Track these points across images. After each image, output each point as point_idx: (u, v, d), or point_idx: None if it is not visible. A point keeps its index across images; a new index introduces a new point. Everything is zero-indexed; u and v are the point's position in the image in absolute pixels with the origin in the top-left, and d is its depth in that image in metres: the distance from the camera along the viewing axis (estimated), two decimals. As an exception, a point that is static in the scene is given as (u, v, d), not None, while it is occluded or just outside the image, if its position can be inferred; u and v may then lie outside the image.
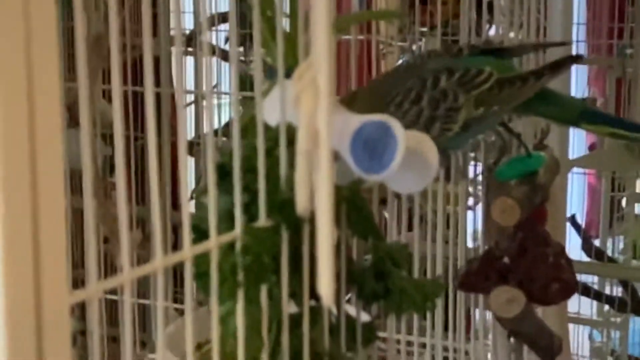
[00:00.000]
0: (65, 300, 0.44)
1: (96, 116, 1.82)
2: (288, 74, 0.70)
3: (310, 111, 0.48)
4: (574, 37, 3.22)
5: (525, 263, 0.99)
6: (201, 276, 0.60)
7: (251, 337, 0.63)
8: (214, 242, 0.57)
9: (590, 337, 2.87)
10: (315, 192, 0.48)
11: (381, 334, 1.23)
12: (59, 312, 0.44)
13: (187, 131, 2.36)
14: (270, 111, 0.66)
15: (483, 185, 1.17)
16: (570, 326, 2.50)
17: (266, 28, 0.74)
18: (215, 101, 2.28)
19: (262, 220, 0.62)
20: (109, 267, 1.75)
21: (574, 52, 2.19)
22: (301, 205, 0.52)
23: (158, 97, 2.00)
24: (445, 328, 1.30)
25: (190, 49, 2.36)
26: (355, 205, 0.74)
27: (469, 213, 1.64)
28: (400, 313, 0.75)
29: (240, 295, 0.60)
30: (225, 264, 0.60)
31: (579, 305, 2.65)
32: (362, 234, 0.75)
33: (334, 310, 0.73)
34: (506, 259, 1.01)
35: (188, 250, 0.55)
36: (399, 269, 0.75)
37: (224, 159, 0.67)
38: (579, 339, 2.81)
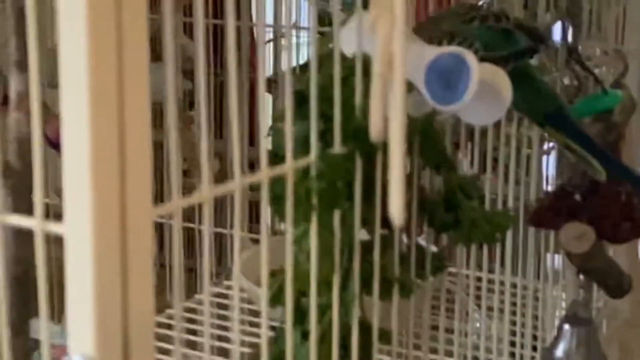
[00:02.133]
0: (149, 213, 0.47)
1: (177, 50, 1.85)
2: (365, 5, 0.71)
3: (386, 36, 0.50)
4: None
5: (597, 200, 1.00)
6: (277, 199, 0.62)
7: (324, 260, 0.65)
8: (289, 166, 0.59)
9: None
10: (389, 118, 0.49)
11: (450, 269, 1.25)
12: (142, 225, 0.46)
13: (266, 68, 2.38)
14: (347, 41, 0.68)
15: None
16: None
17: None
18: (294, 39, 2.30)
19: (337, 147, 0.64)
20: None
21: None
22: (375, 129, 0.54)
23: (238, 32, 2.02)
24: (514, 270, 1.31)
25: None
26: (428, 137, 0.76)
27: (546, 158, 1.64)
28: (470, 243, 0.76)
29: (314, 218, 0.62)
30: (300, 188, 0.62)
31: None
32: (435, 166, 0.77)
33: (405, 239, 0.75)
34: (578, 196, 1.02)
35: (265, 172, 0.57)
36: (470, 201, 0.76)
37: (301, 87, 0.69)
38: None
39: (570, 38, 1.10)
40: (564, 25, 1.11)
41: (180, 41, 1.91)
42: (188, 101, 2.10)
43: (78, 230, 0.44)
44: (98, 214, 0.44)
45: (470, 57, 0.61)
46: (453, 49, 0.62)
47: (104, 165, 0.44)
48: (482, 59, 0.89)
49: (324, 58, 0.73)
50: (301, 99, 0.70)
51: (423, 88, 0.63)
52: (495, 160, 1.37)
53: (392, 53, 0.48)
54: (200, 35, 0.52)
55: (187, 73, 2.01)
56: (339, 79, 0.64)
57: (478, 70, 0.61)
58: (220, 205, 1.65)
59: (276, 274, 0.98)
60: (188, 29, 1.89)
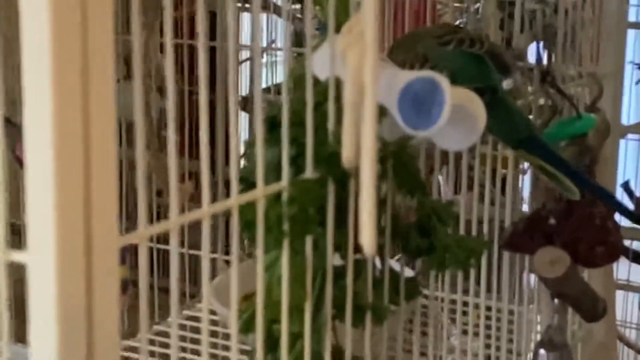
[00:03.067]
0: (114, 243, 0.46)
1: (152, 69, 1.84)
2: (339, 30, 0.71)
3: (357, 65, 0.49)
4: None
5: (571, 224, 1.00)
6: (248, 225, 0.61)
7: (295, 286, 0.64)
8: (260, 192, 0.58)
9: (640, 304, 2.85)
10: (360, 148, 0.49)
11: (424, 292, 1.24)
12: (109, 254, 0.45)
13: (243, 87, 2.37)
14: (320, 65, 0.67)
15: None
16: (620, 293, 2.49)
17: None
18: (269, 58, 2.29)
19: (309, 173, 0.63)
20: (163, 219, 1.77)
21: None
22: (347, 158, 0.53)
23: (213, 51, 2.01)
24: (489, 289, 1.30)
25: (247, 5, 2.37)
26: (401, 161, 0.75)
27: (521, 177, 1.63)
28: (444, 269, 0.76)
29: (286, 245, 0.62)
30: (272, 214, 0.61)
31: (629, 272, 2.64)
32: (408, 190, 0.76)
33: (378, 264, 0.75)
34: (552, 220, 1.01)
35: (235, 199, 0.56)
36: (444, 226, 0.76)
37: (274, 112, 0.69)
38: (628, 306, 2.79)
39: (545, 60, 1.10)
40: (539, 47, 1.11)
41: (157, 61, 1.91)
42: (164, 121, 2.09)
43: (41, 260, 0.43)
44: (62, 244, 0.43)
45: (443, 82, 0.61)
46: (426, 73, 0.62)
47: (69, 194, 0.43)
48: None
49: (297, 81, 0.72)
50: (273, 124, 0.69)
51: (396, 113, 0.63)
52: (470, 179, 1.37)
53: (362, 83, 0.48)
54: (170, 57, 0.51)
55: (164, 92, 2.00)
56: (311, 104, 0.64)
57: (451, 95, 0.61)
58: (197, 224, 1.64)
59: (250, 298, 0.97)
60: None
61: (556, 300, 1.06)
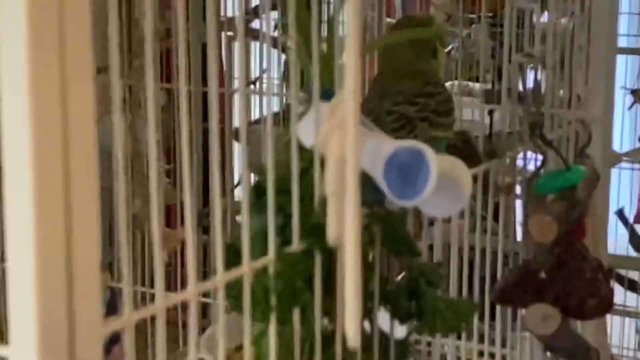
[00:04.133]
0: (98, 329, 0.45)
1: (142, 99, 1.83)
2: (325, 95, 0.70)
3: (339, 155, 0.49)
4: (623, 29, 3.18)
5: (562, 278, 0.99)
6: (234, 298, 0.61)
7: (284, 358, 0.64)
8: (246, 268, 0.58)
9: (637, 329, 2.84)
10: (344, 233, 0.48)
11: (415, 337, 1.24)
12: (92, 341, 0.45)
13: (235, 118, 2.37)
14: (305, 133, 0.67)
15: (522, 195, 1.17)
16: (617, 318, 2.48)
17: (303, 48, 0.75)
18: (264, 88, 2.28)
19: (295, 244, 0.63)
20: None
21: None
22: (333, 239, 0.53)
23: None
24: (482, 337, 1.30)
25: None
26: (390, 224, 0.75)
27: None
28: (434, 332, 0.75)
29: (273, 318, 0.61)
30: (258, 288, 0.61)
31: (624, 297, 2.63)
32: (397, 252, 0.76)
33: (368, 329, 0.74)
34: (543, 274, 1.01)
35: (221, 276, 0.56)
36: (433, 288, 0.75)
37: (261, 179, 0.68)
38: (625, 331, 2.78)
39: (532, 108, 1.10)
40: (526, 95, 1.11)
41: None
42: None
43: (23, 353, 0.43)
44: (44, 334, 0.43)
45: (428, 153, 0.61)
46: (410, 143, 0.62)
47: (50, 282, 0.43)
48: None
49: (283, 148, 0.72)
50: (259, 191, 0.69)
51: (382, 182, 0.62)
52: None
53: (344, 172, 0.48)
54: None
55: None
56: (296, 174, 0.64)
57: (437, 166, 0.60)
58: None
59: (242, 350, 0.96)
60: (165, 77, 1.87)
61: (548, 353, 1.06)
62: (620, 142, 3.14)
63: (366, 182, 0.65)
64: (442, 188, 0.64)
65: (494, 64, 2.24)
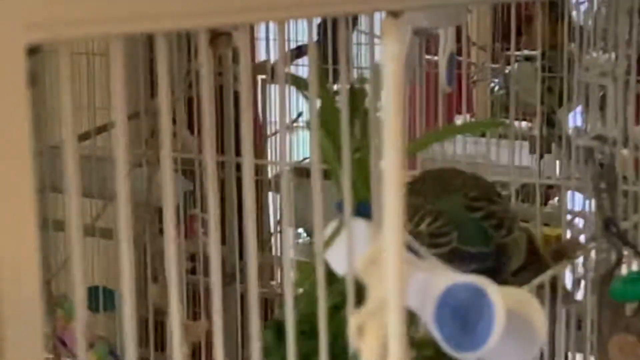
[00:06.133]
0: None
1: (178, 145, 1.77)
2: (360, 211, 0.57)
3: (376, 350, 0.36)
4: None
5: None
6: None
7: None
8: None
9: None
10: None
11: None
12: None
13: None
14: (336, 258, 0.54)
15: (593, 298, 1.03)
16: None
17: (330, 148, 0.62)
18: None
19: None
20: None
21: None
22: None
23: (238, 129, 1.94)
24: None
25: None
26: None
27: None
28: None
29: None
30: None
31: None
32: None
33: None
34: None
35: None
36: None
37: (281, 318, 0.55)
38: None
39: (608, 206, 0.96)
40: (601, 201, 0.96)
41: (182, 138, 1.84)
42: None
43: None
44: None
45: (491, 290, 0.47)
46: (468, 278, 0.48)
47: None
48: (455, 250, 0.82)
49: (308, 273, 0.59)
50: (280, 330, 0.56)
51: (433, 327, 0.49)
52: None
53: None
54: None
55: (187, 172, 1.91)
56: (324, 313, 0.50)
57: (503, 306, 0.47)
58: None
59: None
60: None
61: None
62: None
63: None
64: (509, 329, 0.50)
65: (543, 110, 2.07)
